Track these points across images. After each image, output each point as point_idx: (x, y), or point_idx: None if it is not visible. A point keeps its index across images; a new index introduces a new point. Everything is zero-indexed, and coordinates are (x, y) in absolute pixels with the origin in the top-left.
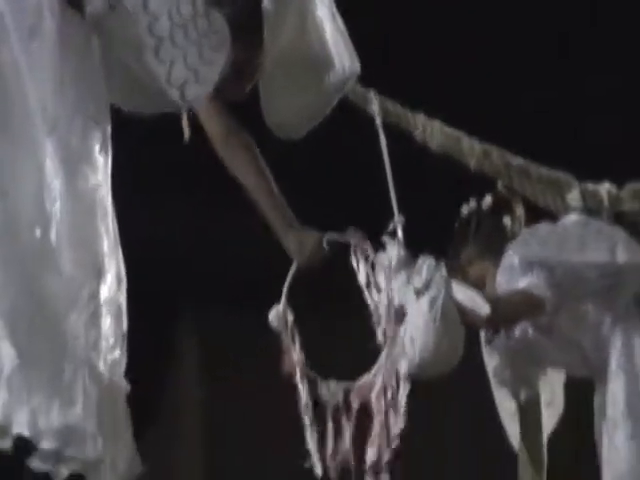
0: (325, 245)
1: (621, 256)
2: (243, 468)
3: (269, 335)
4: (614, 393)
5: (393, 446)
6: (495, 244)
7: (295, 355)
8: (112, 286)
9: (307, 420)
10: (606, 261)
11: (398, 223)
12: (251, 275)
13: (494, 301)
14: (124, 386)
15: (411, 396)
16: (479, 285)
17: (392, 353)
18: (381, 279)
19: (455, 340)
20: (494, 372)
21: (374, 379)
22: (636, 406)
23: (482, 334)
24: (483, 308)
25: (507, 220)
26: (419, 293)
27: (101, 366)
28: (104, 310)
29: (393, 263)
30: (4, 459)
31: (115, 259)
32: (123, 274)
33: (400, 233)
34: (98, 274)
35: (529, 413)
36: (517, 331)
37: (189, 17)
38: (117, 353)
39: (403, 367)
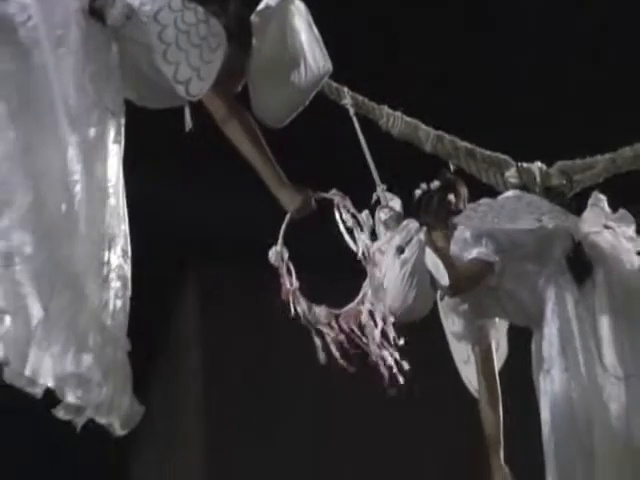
0: (312, 201)
1: (549, 223)
2: (240, 402)
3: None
4: (550, 336)
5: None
6: (441, 216)
7: (289, 285)
8: (120, 257)
9: (311, 327)
10: (537, 228)
11: (381, 190)
12: (247, 233)
13: (454, 269)
14: (126, 343)
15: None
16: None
17: (372, 285)
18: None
19: (421, 296)
20: (453, 329)
21: (359, 307)
22: (568, 345)
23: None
24: (444, 278)
25: (452, 197)
26: (397, 251)
27: (109, 324)
28: (114, 276)
29: (384, 218)
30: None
31: (123, 234)
32: (129, 247)
33: (386, 200)
34: (109, 245)
35: (486, 357)
36: (473, 293)
37: (192, 24)
38: (122, 315)
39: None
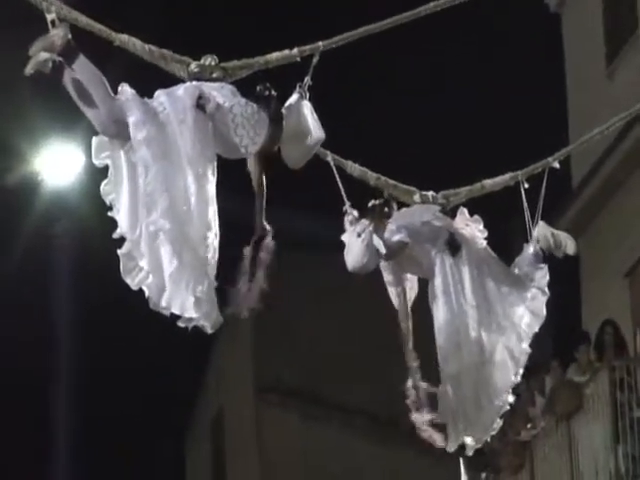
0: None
1: (436, 221)
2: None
3: None
4: (437, 283)
5: None
6: (381, 217)
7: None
8: (214, 236)
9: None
10: (431, 224)
11: (348, 205)
12: None
13: (388, 245)
14: (214, 282)
15: None
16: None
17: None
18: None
19: (370, 259)
20: (388, 279)
21: None
22: (446, 288)
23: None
24: (382, 249)
25: (387, 207)
26: (357, 235)
27: (210, 271)
28: (211, 247)
29: (350, 219)
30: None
31: (215, 224)
32: (218, 232)
33: (350, 211)
34: (209, 229)
35: (403, 293)
36: (397, 258)
37: (250, 114)
38: (214, 266)
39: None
